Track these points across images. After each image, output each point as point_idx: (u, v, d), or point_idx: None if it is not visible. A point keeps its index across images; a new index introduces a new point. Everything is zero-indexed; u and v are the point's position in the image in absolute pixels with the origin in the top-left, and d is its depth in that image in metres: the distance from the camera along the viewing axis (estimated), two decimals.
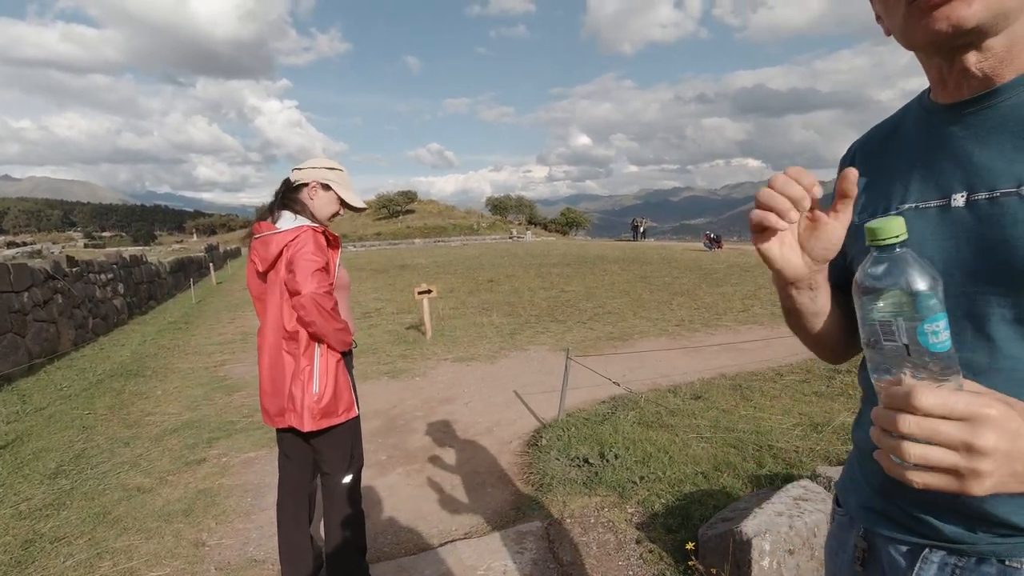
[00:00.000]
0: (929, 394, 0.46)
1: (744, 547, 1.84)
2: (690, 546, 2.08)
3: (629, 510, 2.74)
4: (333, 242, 2.03)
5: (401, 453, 3.85)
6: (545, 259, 21.26)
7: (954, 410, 0.46)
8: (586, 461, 3.30)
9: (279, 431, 2.11)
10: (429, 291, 7.28)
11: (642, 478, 3.02)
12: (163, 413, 4.78)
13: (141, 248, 19.01)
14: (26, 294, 6.66)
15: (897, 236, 0.50)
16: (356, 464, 2.14)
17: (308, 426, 1.93)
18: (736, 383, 4.88)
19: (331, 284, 1.94)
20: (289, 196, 2.04)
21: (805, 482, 2.22)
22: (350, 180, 2.16)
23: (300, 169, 2.09)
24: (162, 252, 19.12)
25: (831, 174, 0.80)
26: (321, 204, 2.08)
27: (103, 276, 9.63)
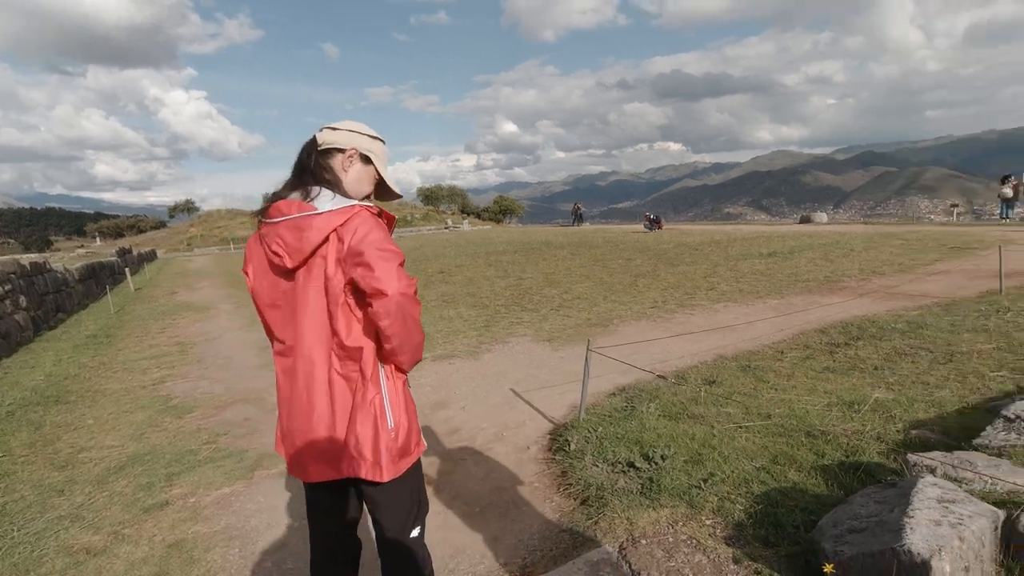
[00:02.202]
0: None
1: (920, 571, 1.52)
2: (829, 568, 1.75)
3: (707, 522, 2.39)
4: (389, 227, 1.53)
5: None
6: (490, 247, 20.79)
7: None
8: (631, 465, 2.93)
9: (313, 484, 1.58)
10: None
11: (704, 480, 2.69)
12: (101, 447, 4.00)
13: (40, 255, 16.91)
14: None
15: None
16: (424, 511, 1.65)
17: (388, 474, 1.44)
18: (742, 364, 4.68)
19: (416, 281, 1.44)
20: (320, 163, 1.51)
21: (933, 479, 1.95)
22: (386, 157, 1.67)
23: (336, 129, 1.56)
24: (66, 258, 17.11)
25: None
26: (355, 180, 1.56)
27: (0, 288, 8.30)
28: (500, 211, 57.69)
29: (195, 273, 20.01)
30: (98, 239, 55.03)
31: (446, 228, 43.02)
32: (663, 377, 4.14)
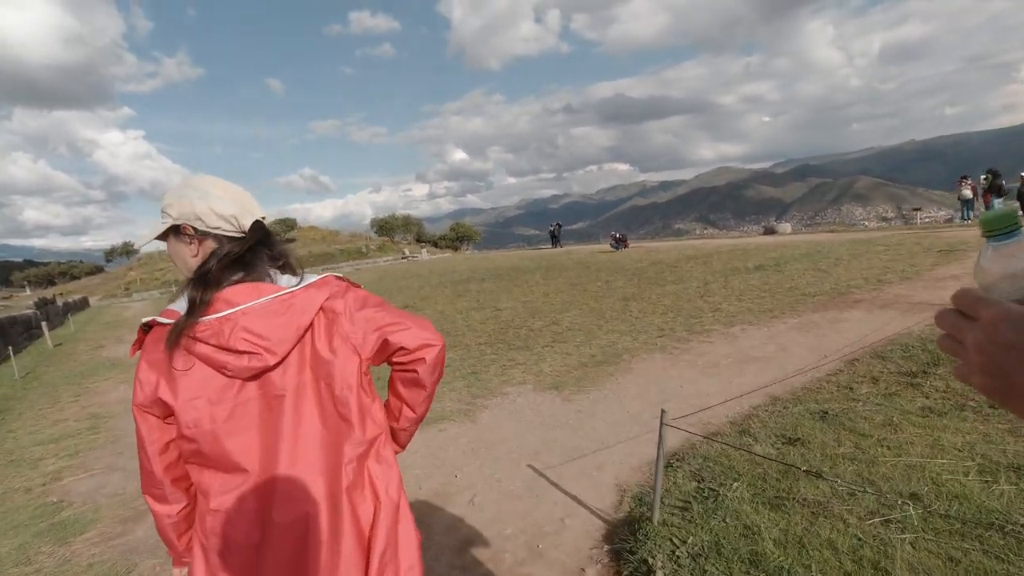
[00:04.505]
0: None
1: None
2: None
3: None
4: None
5: None
6: (455, 276, 19.68)
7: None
8: None
9: None
10: None
11: None
12: None
13: None
14: None
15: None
16: None
17: None
18: (812, 409, 3.74)
19: None
20: (285, 249, 1.18)
21: None
22: None
23: (264, 218, 1.20)
24: None
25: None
26: None
27: None
28: (457, 238, 56.92)
29: (129, 322, 18.08)
30: (27, 288, 51.02)
31: (404, 258, 41.56)
32: (790, 465, 3.08)
